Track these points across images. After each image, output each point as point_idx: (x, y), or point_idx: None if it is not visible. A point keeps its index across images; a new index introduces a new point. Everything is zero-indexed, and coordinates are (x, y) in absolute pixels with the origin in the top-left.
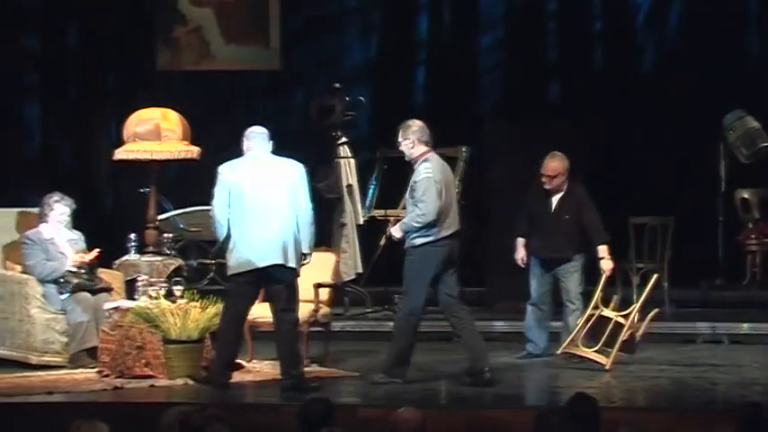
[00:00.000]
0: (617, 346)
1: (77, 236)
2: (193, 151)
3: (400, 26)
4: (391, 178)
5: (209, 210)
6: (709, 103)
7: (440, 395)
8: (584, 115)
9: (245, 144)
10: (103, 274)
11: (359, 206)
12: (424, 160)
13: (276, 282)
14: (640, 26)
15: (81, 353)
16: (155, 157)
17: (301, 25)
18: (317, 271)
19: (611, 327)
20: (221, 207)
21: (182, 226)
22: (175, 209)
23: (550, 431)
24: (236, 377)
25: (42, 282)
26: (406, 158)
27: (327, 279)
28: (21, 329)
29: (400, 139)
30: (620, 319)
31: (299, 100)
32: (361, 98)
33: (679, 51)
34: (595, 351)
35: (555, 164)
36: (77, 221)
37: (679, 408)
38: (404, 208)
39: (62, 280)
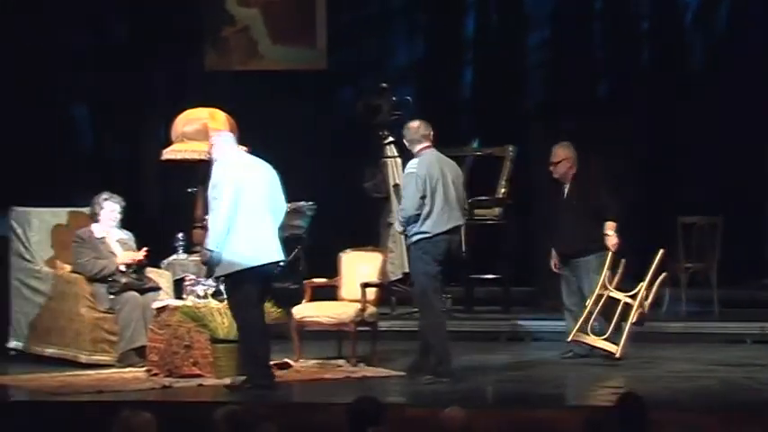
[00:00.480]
0: (626, 332)
1: (127, 236)
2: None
3: (447, 26)
4: None
5: None
6: (757, 102)
7: (486, 395)
8: (631, 114)
9: (222, 145)
10: (152, 273)
11: None
12: (416, 157)
13: (272, 280)
14: (689, 25)
15: (129, 352)
16: (202, 157)
17: (348, 25)
18: (364, 270)
19: (620, 309)
20: (231, 206)
21: None
22: None
23: (600, 431)
24: (286, 376)
25: (92, 280)
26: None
27: (374, 278)
28: (70, 328)
29: (405, 133)
30: (629, 300)
31: (345, 100)
32: (408, 98)
33: (728, 50)
34: (604, 339)
35: (558, 150)
36: (126, 221)
37: (728, 408)
38: None
39: (111, 279)
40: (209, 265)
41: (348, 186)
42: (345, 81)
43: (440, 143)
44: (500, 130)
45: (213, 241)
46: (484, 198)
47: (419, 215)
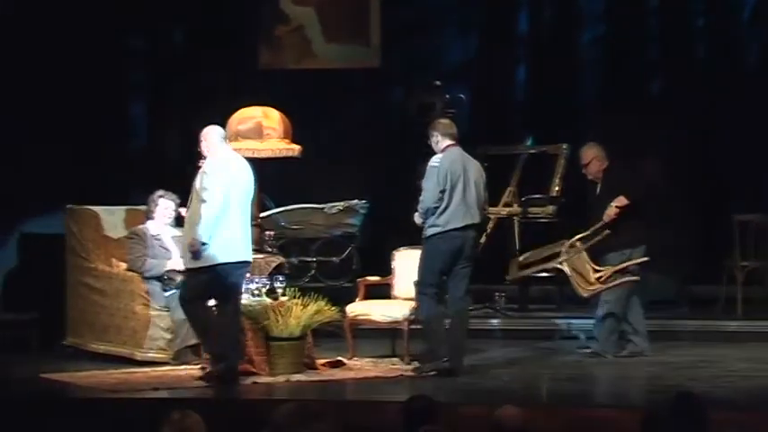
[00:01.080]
0: (534, 266)
1: (182, 233)
2: (294, 149)
3: (500, 23)
4: (492, 175)
5: (310, 208)
6: None
7: (541, 393)
8: (686, 111)
9: (212, 142)
10: None
11: None
12: (441, 152)
13: (236, 280)
14: (746, 22)
15: (185, 349)
16: (256, 156)
17: (402, 23)
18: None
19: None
20: (223, 200)
21: (283, 224)
22: (277, 207)
23: (657, 430)
24: (338, 375)
25: (146, 279)
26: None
27: None
28: (126, 326)
29: (430, 137)
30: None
31: (399, 98)
32: (462, 95)
33: None
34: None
35: (587, 151)
36: (181, 218)
37: None
38: (504, 205)
39: (166, 277)
40: (197, 257)
41: (401, 184)
42: (399, 79)
43: (493, 141)
44: (554, 127)
45: (206, 233)
46: (537, 196)
47: (437, 208)
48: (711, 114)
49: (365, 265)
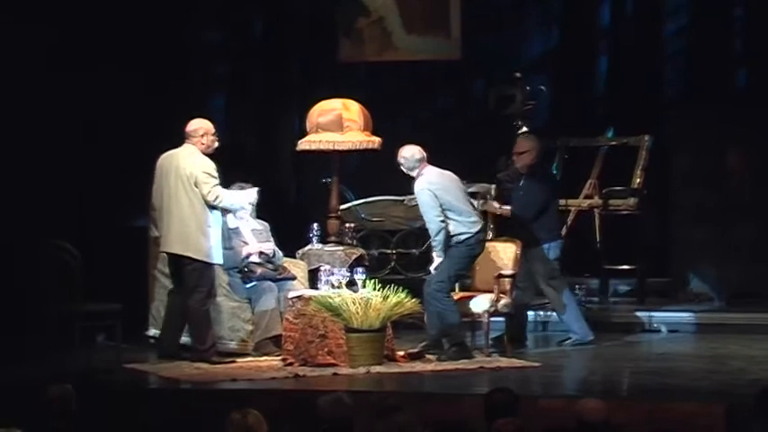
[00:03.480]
0: None
1: (262, 226)
2: (374, 141)
3: (582, 14)
4: (572, 167)
5: (390, 200)
6: None
7: (622, 386)
8: None
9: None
10: (287, 263)
11: None
12: (418, 176)
13: (182, 271)
14: None
15: (265, 341)
16: (337, 148)
17: (482, 14)
18: (499, 260)
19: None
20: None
21: (363, 216)
22: (357, 199)
23: (741, 426)
24: (418, 367)
25: (227, 271)
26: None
27: (508, 269)
28: None
29: (402, 162)
30: None
31: (479, 89)
32: (542, 87)
33: None
34: None
35: (524, 141)
36: (261, 211)
37: None
38: (585, 197)
39: (246, 269)
40: None
41: (482, 177)
42: (479, 71)
43: (574, 133)
44: (635, 119)
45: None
46: (619, 188)
47: (443, 223)
48: None
49: None
